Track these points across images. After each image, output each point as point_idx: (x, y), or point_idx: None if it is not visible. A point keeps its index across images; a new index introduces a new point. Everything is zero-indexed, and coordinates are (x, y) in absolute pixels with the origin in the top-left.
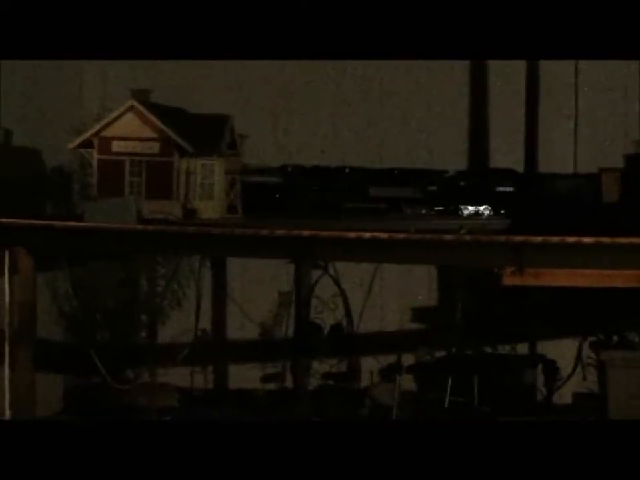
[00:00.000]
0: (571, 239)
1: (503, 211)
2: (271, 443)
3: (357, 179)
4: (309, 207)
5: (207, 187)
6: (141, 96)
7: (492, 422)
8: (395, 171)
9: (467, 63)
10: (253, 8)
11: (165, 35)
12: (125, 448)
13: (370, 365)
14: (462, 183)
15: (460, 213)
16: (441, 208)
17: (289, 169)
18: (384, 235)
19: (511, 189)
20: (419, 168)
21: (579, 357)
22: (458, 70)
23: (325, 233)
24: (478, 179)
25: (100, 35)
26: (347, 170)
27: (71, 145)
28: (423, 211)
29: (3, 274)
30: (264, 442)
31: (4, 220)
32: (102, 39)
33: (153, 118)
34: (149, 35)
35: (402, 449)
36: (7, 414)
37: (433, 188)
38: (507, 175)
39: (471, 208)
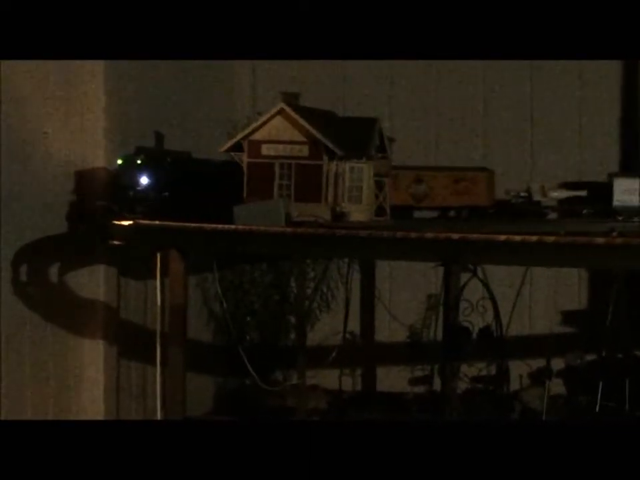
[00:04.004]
0: None
1: None
2: (420, 445)
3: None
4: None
5: (356, 189)
6: (291, 99)
7: None
8: None
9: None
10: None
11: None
12: (275, 448)
13: (519, 369)
14: None
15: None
16: None
17: None
18: (533, 238)
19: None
20: None
21: None
22: (610, 72)
23: (474, 236)
24: None
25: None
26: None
27: (222, 148)
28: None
29: (155, 276)
30: (412, 443)
31: (155, 223)
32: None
33: (302, 121)
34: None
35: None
36: (159, 414)
37: None
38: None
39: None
